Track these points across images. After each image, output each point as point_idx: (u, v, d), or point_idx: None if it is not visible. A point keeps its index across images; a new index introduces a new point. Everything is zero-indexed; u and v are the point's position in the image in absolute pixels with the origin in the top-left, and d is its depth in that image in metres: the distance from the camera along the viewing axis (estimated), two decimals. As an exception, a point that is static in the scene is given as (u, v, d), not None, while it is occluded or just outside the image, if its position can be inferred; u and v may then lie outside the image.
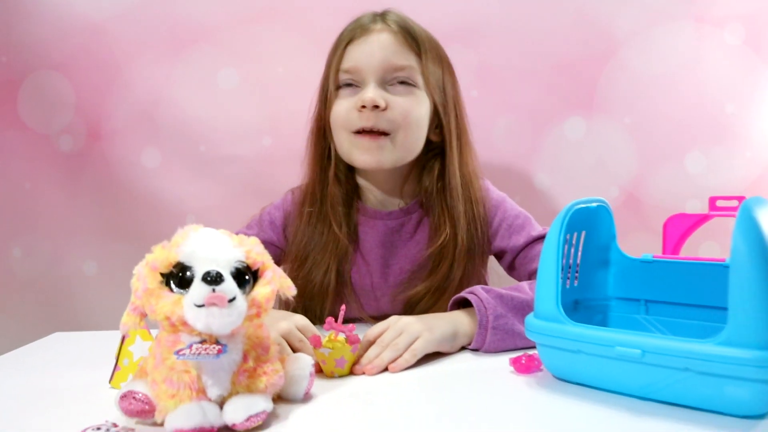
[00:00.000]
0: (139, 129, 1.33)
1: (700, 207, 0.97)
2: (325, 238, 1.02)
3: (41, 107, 1.34)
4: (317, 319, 0.97)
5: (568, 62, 1.33)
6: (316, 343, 0.75)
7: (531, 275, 0.99)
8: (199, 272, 0.57)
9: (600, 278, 0.81)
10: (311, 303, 1.01)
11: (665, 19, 1.33)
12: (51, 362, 0.87)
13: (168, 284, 0.58)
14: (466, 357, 0.82)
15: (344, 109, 0.98)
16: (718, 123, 1.34)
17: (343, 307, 0.79)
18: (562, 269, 0.71)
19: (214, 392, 0.58)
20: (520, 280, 1.02)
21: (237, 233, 0.65)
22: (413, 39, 0.98)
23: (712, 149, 1.34)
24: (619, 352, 0.61)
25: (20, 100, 1.34)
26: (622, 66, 1.33)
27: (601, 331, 0.64)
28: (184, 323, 0.57)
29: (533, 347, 0.73)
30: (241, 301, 0.58)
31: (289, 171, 1.11)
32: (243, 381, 0.59)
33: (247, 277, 0.60)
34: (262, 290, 0.60)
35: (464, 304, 0.88)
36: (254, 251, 0.62)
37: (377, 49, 0.96)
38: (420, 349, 0.78)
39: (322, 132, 1.04)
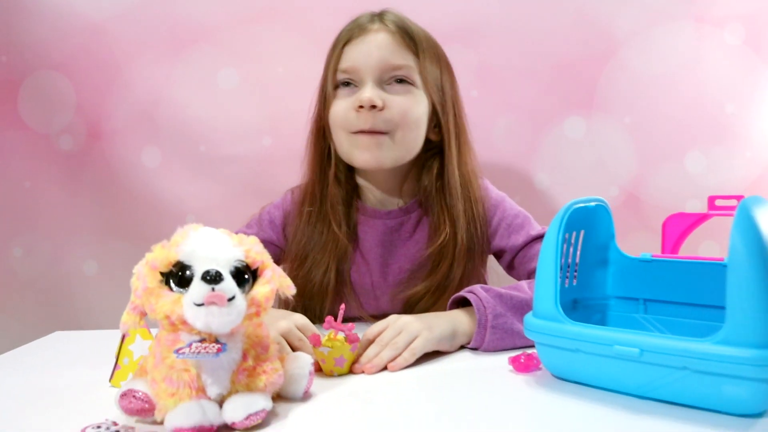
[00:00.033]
0: (140, 129, 1.34)
1: (700, 207, 0.98)
2: (324, 237, 1.02)
3: (41, 107, 1.34)
4: (317, 318, 0.97)
5: (568, 62, 1.33)
6: (316, 342, 0.75)
7: (530, 274, 0.99)
8: (198, 271, 0.57)
9: (599, 277, 0.81)
10: (311, 302, 1.01)
11: (665, 19, 1.33)
12: (51, 361, 0.87)
13: (168, 283, 0.58)
14: (465, 356, 0.83)
15: (342, 109, 0.98)
16: (718, 123, 1.34)
17: (343, 306, 0.79)
18: (561, 268, 0.71)
19: (213, 391, 0.58)
20: (519, 279, 1.02)
21: (237, 232, 0.65)
22: (410, 38, 0.98)
23: (712, 149, 1.35)
24: (617, 351, 0.61)
25: (20, 100, 1.34)
26: (622, 66, 1.33)
27: (600, 330, 0.64)
28: (184, 322, 0.57)
29: (532, 346, 0.73)
30: (241, 300, 0.58)
31: (289, 171, 1.11)
32: (242, 380, 0.60)
33: (246, 276, 0.60)
34: (262, 289, 0.60)
35: (463, 303, 0.88)
36: (254, 250, 0.62)
37: (374, 49, 0.97)
38: (419, 348, 0.78)
39: (321, 132, 1.04)
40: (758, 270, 0.54)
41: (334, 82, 1.00)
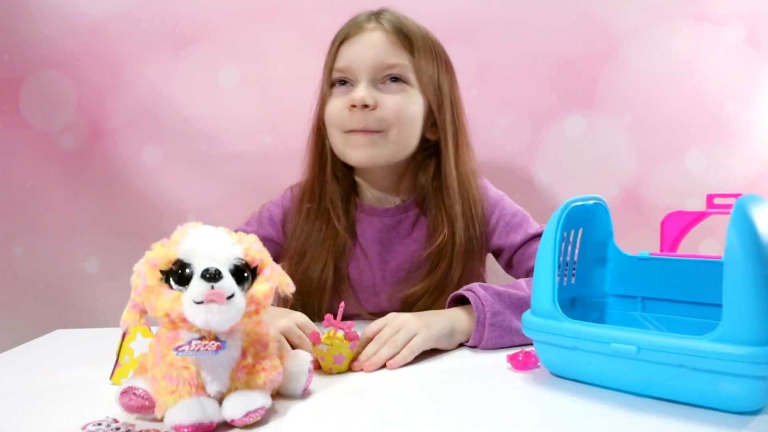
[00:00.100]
0: (141, 127, 1.34)
1: (700, 205, 0.98)
2: (323, 233, 1.02)
3: (43, 105, 1.34)
4: (316, 316, 0.97)
5: (569, 61, 1.33)
6: (315, 339, 0.75)
7: (528, 273, 0.99)
8: (198, 269, 0.57)
9: (597, 275, 0.81)
10: (309, 299, 1.02)
11: (665, 18, 1.33)
12: (52, 359, 0.88)
13: (167, 281, 0.58)
14: (464, 354, 0.83)
15: (337, 108, 0.98)
16: (718, 121, 1.35)
17: (342, 304, 0.80)
18: (559, 266, 0.71)
19: (213, 388, 0.59)
20: (517, 277, 1.02)
21: (236, 230, 0.66)
22: (405, 37, 0.98)
23: (712, 147, 1.35)
24: (614, 348, 0.61)
25: (22, 99, 1.34)
26: (623, 64, 1.34)
27: (597, 327, 0.65)
28: (184, 320, 0.57)
29: (530, 344, 0.74)
30: (240, 298, 0.58)
31: (290, 169, 1.11)
32: (242, 377, 0.60)
33: (245, 274, 0.60)
34: (261, 287, 0.61)
35: (462, 301, 0.89)
36: (253, 248, 0.62)
37: (369, 48, 0.97)
38: (418, 346, 0.78)
39: (320, 129, 1.04)
40: (754, 268, 0.55)
41: (330, 80, 1.01)
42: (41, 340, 0.99)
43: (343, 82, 1.00)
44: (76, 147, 1.35)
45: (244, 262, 0.61)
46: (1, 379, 0.77)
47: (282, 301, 0.92)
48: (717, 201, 0.92)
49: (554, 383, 0.69)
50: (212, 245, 0.60)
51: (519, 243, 1.02)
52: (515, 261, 1.03)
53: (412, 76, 0.98)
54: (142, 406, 0.59)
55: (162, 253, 0.59)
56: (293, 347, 0.77)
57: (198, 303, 0.56)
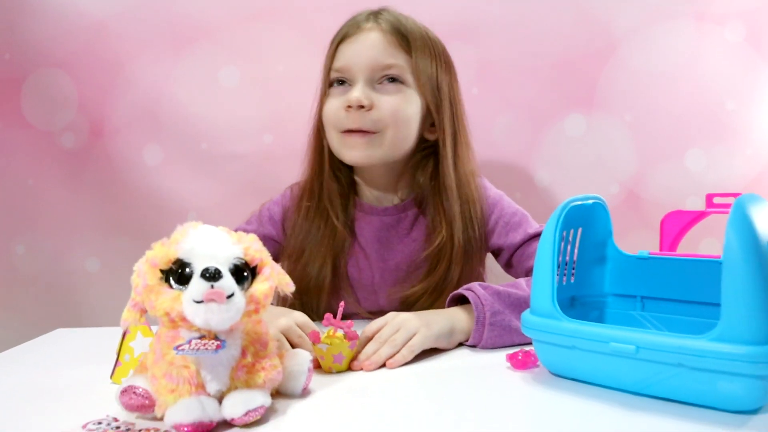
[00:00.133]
0: (141, 126, 1.34)
1: (700, 204, 0.98)
2: (321, 231, 1.03)
3: (44, 105, 1.35)
4: (315, 315, 0.97)
5: (569, 60, 1.33)
6: (315, 339, 0.75)
7: (528, 272, 0.99)
8: (198, 269, 0.57)
9: (596, 275, 0.81)
10: (308, 297, 1.02)
11: (666, 17, 1.33)
12: (53, 358, 0.88)
13: (167, 281, 0.59)
14: (463, 353, 0.83)
15: (334, 108, 0.98)
16: (718, 120, 1.34)
17: (342, 303, 0.80)
18: (559, 266, 0.71)
19: (213, 387, 0.59)
20: (517, 277, 1.02)
21: (237, 229, 0.66)
22: (403, 37, 0.97)
23: (713, 147, 1.35)
24: (613, 348, 0.61)
25: (23, 98, 1.35)
26: (623, 63, 1.33)
27: (596, 327, 0.65)
28: (184, 319, 0.57)
29: (530, 343, 0.74)
30: (240, 297, 0.58)
31: (290, 168, 1.11)
32: (241, 376, 0.60)
33: (245, 274, 0.61)
34: (261, 286, 0.61)
35: (462, 300, 0.89)
36: (253, 248, 0.63)
37: (366, 48, 0.97)
38: (417, 345, 0.78)
39: (319, 128, 1.04)
40: (753, 267, 0.55)
41: (329, 80, 1.01)
42: (42, 339, 1.00)
43: (341, 82, 1.00)
44: (77, 146, 1.35)
45: (243, 261, 0.61)
46: (2, 378, 0.77)
47: (281, 300, 0.93)
48: (716, 200, 0.92)
49: (553, 382, 0.69)
50: (212, 245, 0.60)
51: (518, 243, 1.02)
52: (515, 261, 1.03)
53: (409, 77, 0.98)
54: (143, 404, 0.59)
55: (162, 253, 0.59)
56: (293, 346, 0.78)
57: (198, 302, 0.56)
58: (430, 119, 1.02)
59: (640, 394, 0.63)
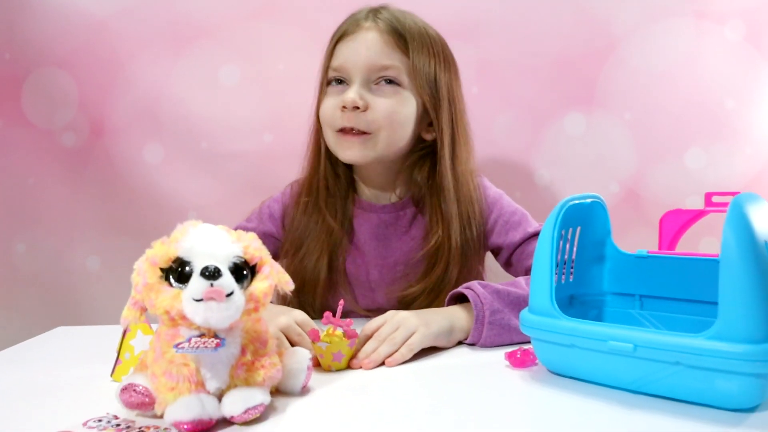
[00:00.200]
0: (142, 125, 1.35)
1: (700, 203, 0.98)
2: (319, 227, 1.03)
3: (44, 104, 1.35)
4: (312, 311, 0.98)
5: (569, 58, 1.33)
6: (315, 337, 0.75)
7: (527, 271, 0.99)
8: (197, 267, 0.58)
9: (595, 274, 0.81)
10: (304, 293, 1.02)
11: (665, 16, 1.33)
12: (54, 356, 0.88)
13: (167, 279, 0.59)
14: (463, 351, 0.83)
15: (330, 107, 0.98)
16: (718, 119, 1.34)
17: (342, 302, 0.80)
18: (558, 265, 0.71)
19: (212, 385, 0.59)
20: (516, 276, 1.02)
21: (237, 227, 0.66)
22: (401, 37, 0.97)
23: (712, 145, 1.35)
24: (611, 346, 0.61)
25: (24, 97, 1.35)
26: (623, 62, 1.33)
27: (594, 325, 0.65)
28: (183, 317, 0.58)
29: (528, 342, 0.74)
30: (239, 295, 0.59)
31: (290, 167, 1.11)
32: (241, 374, 0.60)
33: (245, 272, 0.61)
34: (260, 285, 0.61)
35: (461, 299, 0.89)
36: (252, 246, 0.63)
37: (363, 49, 0.97)
38: (417, 343, 0.78)
39: (319, 125, 1.04)
40: (750, 266, 0.55)
41: (326, 77, 1.01)
42: (42, 337, 1.00)
43: (338, 80, 1.00)
44: (78, 145, 1.35)
45: (243, 260, 0.61)
46: (3, 376, 0.77)
47: (281, 299, 0.93)
48: (715, 199, 0.92)
49: (552, 381, 0.69)
50: (212, 243, 0.60)
51: (518, 241, 1.02)
52: (514, 259, 1.04)
53: (406, 78, 0.98)
54: (142, 402, 0.59)
55: (162, 251, 0.59)
56: (292, 344, 0.78)
57: (197, 300, 0.56)
58: (427, 119, 1.02)
59: (638, 393, 0.63)
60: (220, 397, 0.59)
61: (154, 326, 0.68)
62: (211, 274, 0.57)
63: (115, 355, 0.73)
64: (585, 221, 0.78)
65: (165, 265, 0.59)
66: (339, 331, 0.77)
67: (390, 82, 0.97)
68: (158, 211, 1.35)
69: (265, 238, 0.91)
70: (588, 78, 1.34)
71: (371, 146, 0.97)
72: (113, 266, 1.38)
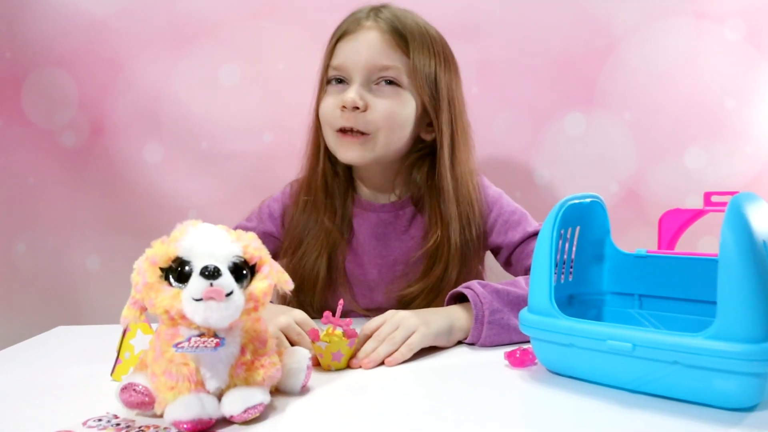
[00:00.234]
0: (142, 125, 1.35)
1: (700, 203, 0.98)
2: (318, 226, 1.03)
3: (44, 103, 1.35)
4: (311, 310, 0.98)
5: (569, 58, 1.33)
6: (314, 336, 0.76)
7: (527, 271, 0.99)
8: (197, 267, 0.58)
9: (594, 273, 0.82)
10: (303, 292, 1.02)
11: (665, 15, 1.33)
12: (54, 356, 0.88)
13: (167, 278, 0.59)
14: (462, 351, 0.83)
15: (329, 106, 0.98)
16: (718, 119, 1.34)
17: (342, 301, 0.80)
18: (557, 264, 0.71)
19: (212, 384, 0.59)
20: (516, 275, 1.02)
21: (237, 226, 0.66)
22: (401, 37, 0.96)
23: (712, 145, 1.35)
24: (610, 345, 0.62)
25: (24, 96, 1.35)
26: (623, 62, 1.34)
27: (593, 325, 0.65)
28: (183, 317, 0.58)
29: (528, 341, 0.74)
30: (239, 295, 0.59)
31: (290, 166, 1.11)
32: (241, 374, 0.61)
33: (244, 272, 0.61)
34: (260, 285, 0.61)
35: (461, 298, 0.89)
36: (252, 246, 0.63)
37: (363, 49, 0.96)
38: (416, 343, 0.79)
39: (318, 124, 1.04)
40: (748, 265, 0.55)
41: (327, 76, 1.01)
42: (42, 336, 1.00)
43: (338, 80, 0.99)
44: (78, 144, 1.36)
45: (242, 259, 0.61)
46: (2, 376, 0.77)
47: (281, 298, 0.93)
48: (714, 199, 0.92)
49: (551, 380, 0.69)
50: (211, 243, 0.60)
51: (517, 241, 1.02)
52: (514, 259, 1.04)
53: (406, 79, 0.97)
54: (142, 402, 0.60)
55: (162, 251, 0.59)
56: (292, 344, 0.78)
57: (197, 300, 0.57)
58: (427, 119, 1.02)
59: (637, 392, 0.63)
60: (219, 396, 0.60)
61: (154, 326, 0.68)
62: (211, 273, 0.57)
63: (115, 354, 0.73)
64: (584, 221, 0.78)
65: (165, 265, 0.59)
66: (338, 331, 0.77)
67: (390, 82, 0.97)
68: (158, 211, 1.35)
69: (265, 237, 0.91)
70: (588, 78, 1.34)
71: (370, 147, 0.97)
72: (113, 266, 1.38)
